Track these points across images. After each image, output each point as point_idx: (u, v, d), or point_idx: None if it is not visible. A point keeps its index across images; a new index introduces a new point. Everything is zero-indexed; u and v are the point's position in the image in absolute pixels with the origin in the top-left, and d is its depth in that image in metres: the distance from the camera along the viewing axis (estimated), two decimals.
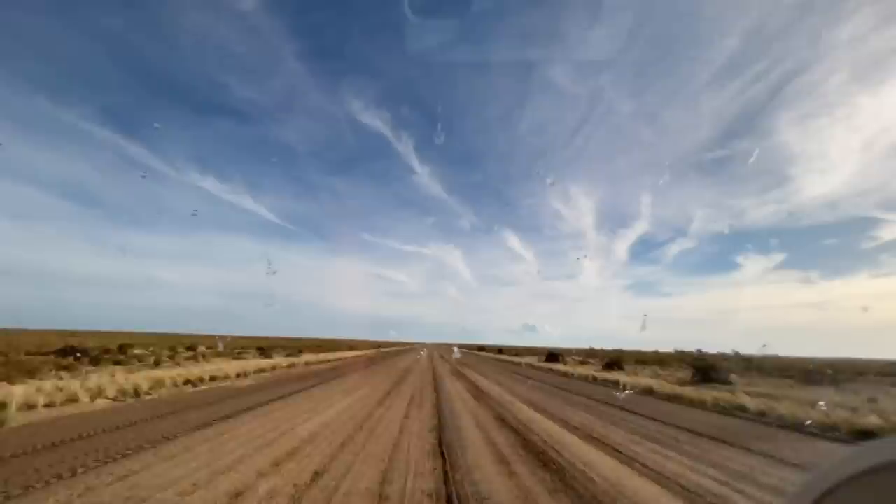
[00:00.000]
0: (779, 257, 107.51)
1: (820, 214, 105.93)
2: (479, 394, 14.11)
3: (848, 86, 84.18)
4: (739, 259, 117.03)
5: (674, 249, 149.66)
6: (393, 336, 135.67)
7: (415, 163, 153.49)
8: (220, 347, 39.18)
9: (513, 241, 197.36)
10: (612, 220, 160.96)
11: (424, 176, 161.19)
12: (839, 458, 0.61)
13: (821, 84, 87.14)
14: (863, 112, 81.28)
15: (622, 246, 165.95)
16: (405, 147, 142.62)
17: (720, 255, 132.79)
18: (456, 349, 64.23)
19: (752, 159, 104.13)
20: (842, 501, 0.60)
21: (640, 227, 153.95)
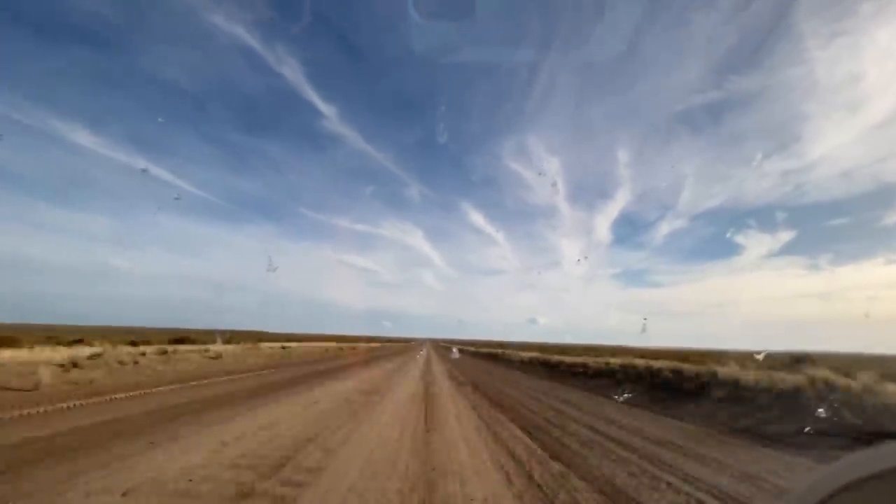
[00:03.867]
0: (786, 235, 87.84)
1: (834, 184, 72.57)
2: None
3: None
4: (740, 239, 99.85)
5: (663, 229, 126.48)
6: (388, 329, 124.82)
7: (316, 100, 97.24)
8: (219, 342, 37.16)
9: (476, 217, 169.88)
10: (587, 189, 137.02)
11: (333, 120, 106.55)
12: (843, 462, 0.61)
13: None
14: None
15: (603, 223, 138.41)
16: (293, 73, 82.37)
17: (717, 236, 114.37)
18: (455, 350, 57.68)
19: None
20: None
21: (621, 198, 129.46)
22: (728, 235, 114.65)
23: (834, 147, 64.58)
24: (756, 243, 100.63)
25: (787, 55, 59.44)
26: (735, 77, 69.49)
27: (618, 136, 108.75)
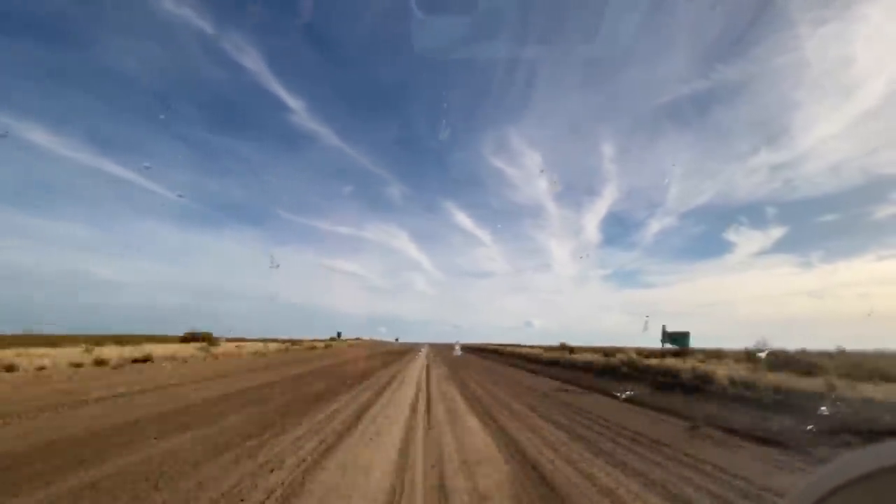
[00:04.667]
0: (778, 232, 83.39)
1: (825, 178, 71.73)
2: None
3: None
4: (731, 236, 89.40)
5: (653, 228, 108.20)
6: (383, 335, 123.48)
7: (282, 93, 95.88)
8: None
9: (461, 217, 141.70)
10: (574, 186, 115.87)
11: (302, 115, 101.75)
12: (841, 461, 0.61)
13: None
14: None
15: (592, 222, 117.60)
16: (255, 63, 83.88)
17: (708, 234, 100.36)
18: (458, 348, 57.29)
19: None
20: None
21: (608, 196, 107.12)
22: (719, 233, 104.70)
23: (823, 139, 62.14)
24: (747, 241, 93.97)
25: (776, 41, 62.32)
26: (721, 66, 69.21)
27: (602, 131, 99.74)
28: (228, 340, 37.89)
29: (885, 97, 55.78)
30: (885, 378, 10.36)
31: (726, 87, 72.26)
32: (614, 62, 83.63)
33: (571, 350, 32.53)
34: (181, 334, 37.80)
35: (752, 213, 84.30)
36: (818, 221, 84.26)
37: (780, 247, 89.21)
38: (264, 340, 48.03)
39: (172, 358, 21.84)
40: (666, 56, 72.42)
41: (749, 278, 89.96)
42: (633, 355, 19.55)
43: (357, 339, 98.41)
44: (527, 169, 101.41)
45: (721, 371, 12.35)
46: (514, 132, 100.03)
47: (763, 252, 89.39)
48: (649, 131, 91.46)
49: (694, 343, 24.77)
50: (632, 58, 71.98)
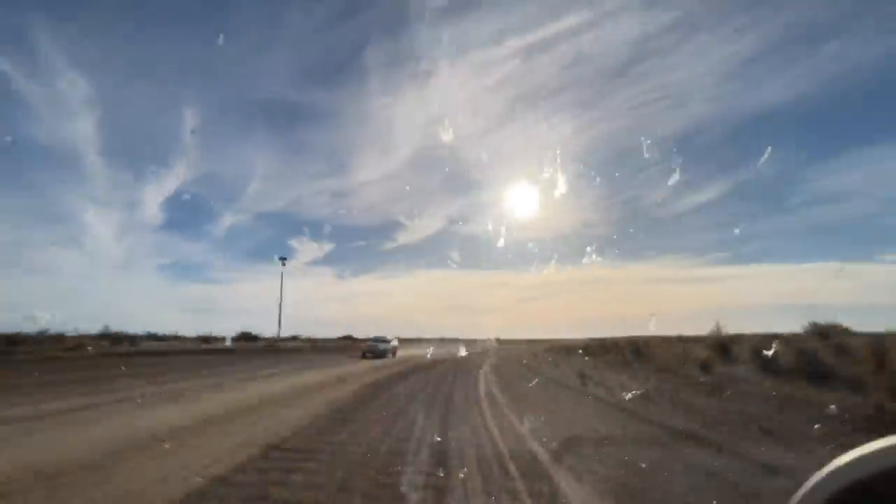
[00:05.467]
0: (328, 247, 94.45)
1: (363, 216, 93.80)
2: None
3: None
4: (294, 244, 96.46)
5: (227, 221, 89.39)
6: None
7: None
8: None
9: None
10: (138, 145, 73.83)
11: None
12: (847, 461, 0.59)
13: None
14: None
15: (155, 199, 77.85)
16: None
17: (276, 238, 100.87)
18: None
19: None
20: None
21: (182, 173, 73.76)
22: (286, 239, 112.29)
23: (367, 182, 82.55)
24: (306, 250, 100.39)
25: (353, 85, 75.26)
26: (317, 90, 76.86)
27: (188, 96, 72.03)
28: None
29: (404, 163, 75.74)
30: None
31: (315, 109, 79.26)
32: (220, 23, 56.77)
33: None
34: None
35: (314, 227, 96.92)
36: (353, 245, 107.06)
37: (327, 260, 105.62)
38: None
39: None
40: (269, 54, 66.42)
41: (302, 283, 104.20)
42: None
43: None
44: (62, 95, 60.54)
45: None
46: (46, 29, 57.06)
47: (315, 262, 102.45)
48: (240, 120, 79.30)
49: None
50: (235, 32, 56.61)
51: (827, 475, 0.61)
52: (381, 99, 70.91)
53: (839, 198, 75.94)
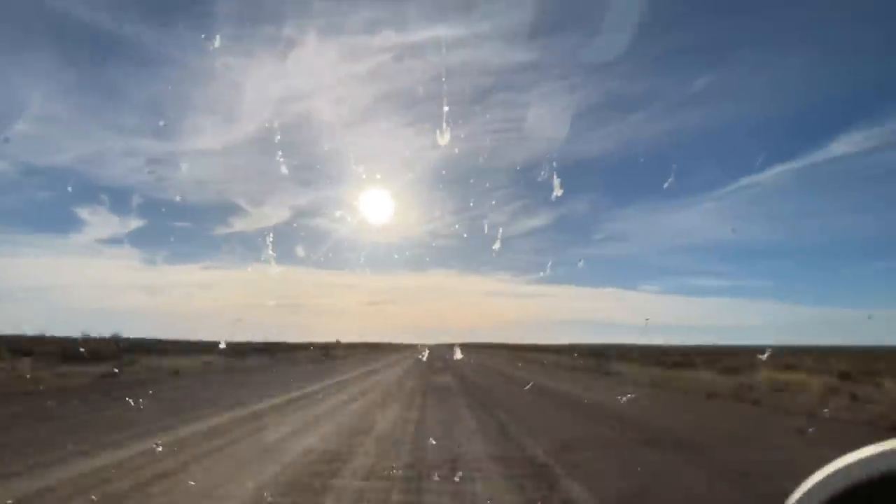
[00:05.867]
0: (136, 223, 68.73)
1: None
2: None
3: None
4: (85, 214, 73.23)
5: None
6: None
7: None
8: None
9: None
10: None
11: None
12: (846, 463, 0.58)
13: None
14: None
15: None
16: None
17: (59, 203, 77.25)
18: None
19: None
20: None
21: None
22: (72, 206, 70.97)
23: (199, 152, 51.57)
24: (103, 224, 71.31)
25: (194, 31, 49.01)
26: (141, 22, 53.64)
27: None
28: None
29: (250, 139, 54.72)
30: None
31: (135, 47, 54.95)
32: None
33: None
34: None
35: (117, 196, 67.76)
36: (172, 225, 76.20)
37: (133, 239, 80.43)
38: None
39: None
40: None
41: (93, 265, 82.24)
42: None
43: None
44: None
45: None
46: None
47: (114, 240, 76.45)
48: (15, 33, 56.20)
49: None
50: None
51: (822, 479, 0.60)
52: (228, 57, 48.85)
53: (622, 237, 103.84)
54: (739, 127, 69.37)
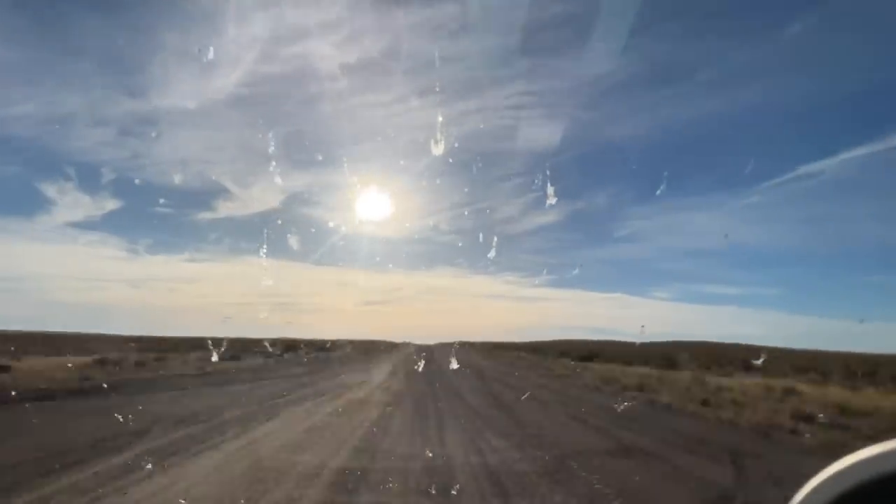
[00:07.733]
0: (112, 205, 63.71)
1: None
2: None
3: None
4: (52, 193, 63.93)
5: None
6: None
7: None
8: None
9: None
10: None
11: None
12: (852, 462, 0.57)
13: None
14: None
15: None
16: None
17: (22, 180, 69.12)
18: None
19: None
20: None
21: None
22: (35, 181, 66.30)
23: (176, 113, 39.13)
24: (72, 204, 64.51)
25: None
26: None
27: None
28: None
29: (231, 95, 43.40)
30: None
31: None
32: None
33: None
34: None
35: (87, 172, 58.25)
36: (155, 211, 71.08)
37: (109, 224, 69.38)
38: None
39: None
40: None
41: (63, 252, 72.83)
42: None
43: None
44: None
45: None
46: None
47: (87, 225, 68.91)
48: None
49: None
50: None
51: (826, 479, 0.59)
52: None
53: (634, 239, 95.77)
54: (777, 118, 62.00)
